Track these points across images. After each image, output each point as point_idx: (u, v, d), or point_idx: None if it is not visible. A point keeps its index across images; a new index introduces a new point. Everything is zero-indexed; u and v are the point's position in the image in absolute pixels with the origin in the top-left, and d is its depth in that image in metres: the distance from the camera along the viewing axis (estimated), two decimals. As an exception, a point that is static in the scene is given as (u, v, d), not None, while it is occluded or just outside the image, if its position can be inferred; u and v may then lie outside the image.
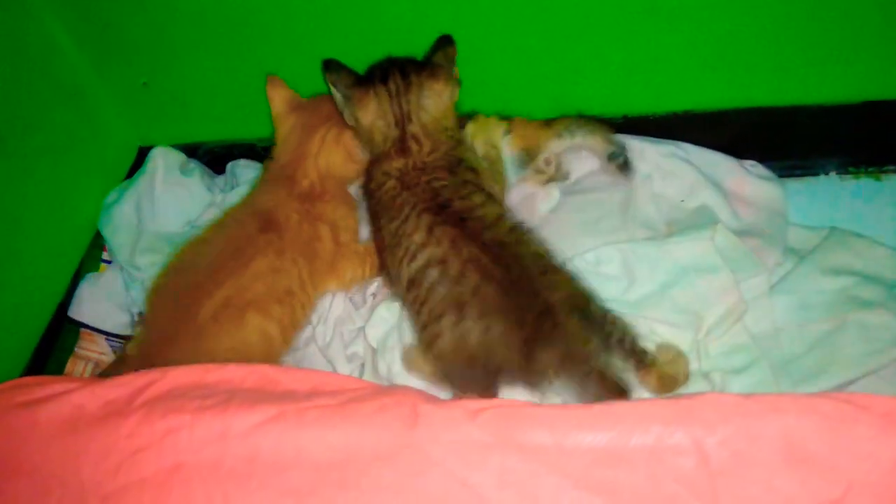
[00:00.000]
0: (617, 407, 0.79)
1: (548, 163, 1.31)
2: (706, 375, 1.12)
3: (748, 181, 1.31)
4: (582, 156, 1.34)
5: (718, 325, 1.16)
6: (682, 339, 1.15)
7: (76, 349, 1.33)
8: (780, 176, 1.33)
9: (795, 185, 1.35)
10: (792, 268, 1.22)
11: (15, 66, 1.19)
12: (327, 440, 0.80)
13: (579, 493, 0.73)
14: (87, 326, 1.31)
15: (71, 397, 0.91)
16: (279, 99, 1.25)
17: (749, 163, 1.34)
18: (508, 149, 1.30)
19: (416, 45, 1.17)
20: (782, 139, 1.33)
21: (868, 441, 0.72)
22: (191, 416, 0.85)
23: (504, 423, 0.78)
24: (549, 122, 1.30)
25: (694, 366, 1.14)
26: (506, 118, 1.29)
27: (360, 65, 1.15)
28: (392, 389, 0.87)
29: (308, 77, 1.22)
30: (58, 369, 1.30)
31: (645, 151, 1.33)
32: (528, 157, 1.31)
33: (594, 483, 0.73)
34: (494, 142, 1.26)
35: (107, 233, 1.35)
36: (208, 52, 1.29)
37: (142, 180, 1.38)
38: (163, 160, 1.39)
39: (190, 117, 1.43)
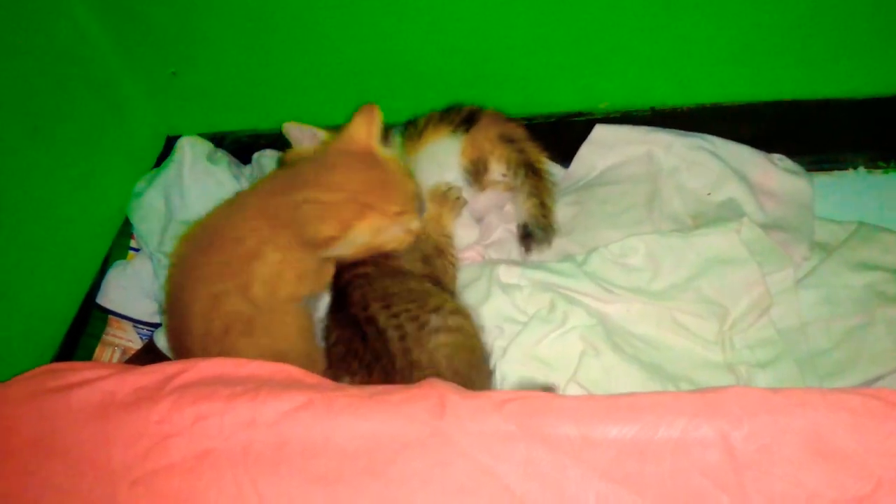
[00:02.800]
0: (643, 399, 0.79)
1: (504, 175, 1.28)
2: (731, 368, 1.12)
3: (775, 175, 1.31)
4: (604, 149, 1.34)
5: (744, 318, 1.16)
6: (706, 330, 1.16)
7: (104, 336, 1.35)
8: (808, 170, 1.32)
9: (823, 179, 1.34)
10: (819, 262, 1.21)
11: (46, 58, 1.21)
12: (355, 428, 0.81)
13: (605, 485, 0.73)
14: (114, 313, 1.33)
15: (102, 384, 0.92)
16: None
17: (777, 156, 1.33)
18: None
19: (441, 35, 1.17)
20: (810, 133, 1.32)
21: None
22: (221, 403, 0.86)
23: (530, 415, 0.78)
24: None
25: (719, 357, 1.14)
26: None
27: (386, 55, 1.16)
28: (422, 383, 0.88)
29: (333, 69, 1.23)
30: (86, 355, 1.31)
31: (672, 144, 1.32)
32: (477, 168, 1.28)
33: (620, 475, 0.73)
34: (447, 229, 1.23)
35: (135, 221, 1.37)
36: (235, 42, 1.30)
37: (170, 169, 1.39)
38: (190, 149, 1.41)
39: (217, 107, 1.44)
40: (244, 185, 1.43)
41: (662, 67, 1.26)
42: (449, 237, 1.23)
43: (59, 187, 1.25)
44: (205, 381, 0.91)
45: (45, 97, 1.21)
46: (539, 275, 1.19)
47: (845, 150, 1.34)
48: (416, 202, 1.11)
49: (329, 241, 1.00)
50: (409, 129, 1.28)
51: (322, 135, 1.20)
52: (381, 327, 1.03)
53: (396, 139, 1.28)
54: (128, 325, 1.36)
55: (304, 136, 1.21)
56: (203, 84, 1.39)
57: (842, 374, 1.09)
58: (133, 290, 1.33)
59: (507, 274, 1.20)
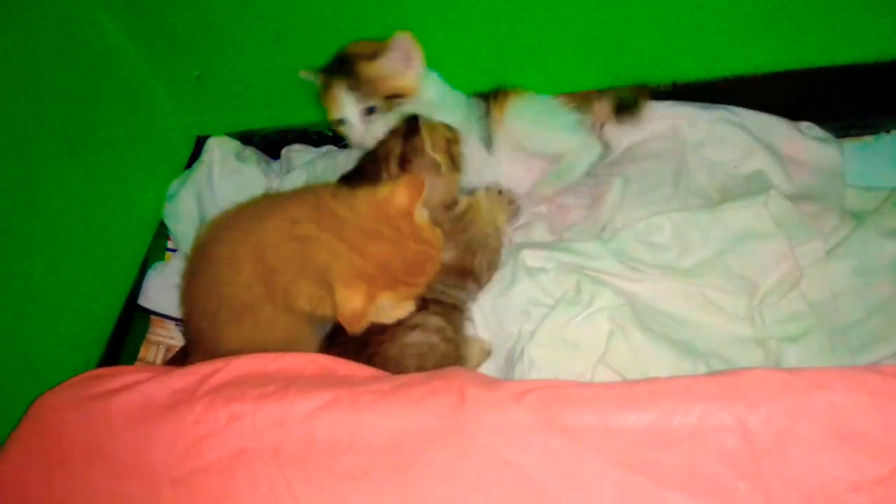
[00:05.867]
0: (661, 385, 0.80)
1: (598, 120, 1.31)
2: (762, 343, 1.11)
3: (803, 143, 1.28)
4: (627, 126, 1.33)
5: (773, 292, 1.14)
6: (736, 306, 1.15)
7: (148, 335, 1.40)
8: (838, 136, 1.29)
9: (854, 144, 1.31)
10: (850, 232, 1.19)
11: (77, 70, 1.24)
12: (380, 424, 0.84)
13: (622, 474, 0.74)
14: (156, 314, 1.38)
15: (141, 388, 0.96)
16: None
17: (805, 124, 1.30)
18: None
19: (462, 22, 1.18)
20: (838, 98, 1.29)
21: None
22: (252, 404, 0.89)
23: (548, 405, 0.80)
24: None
25: (748, 333, 1.13)
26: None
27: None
28: (443, 373, 0.90)
29: None
30: (132, 355, 1.37)
31: (696, 118, 1.31)
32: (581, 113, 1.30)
33: (637, 463, 0.75)
34: (499, 225, 1.24)
35: (170, 223, 1.41)
36: (257, 42, 1.31)
37: (200, 170, 1.43)
38: (219, 149, 1.44)
39: (244, 106, 1.46)
40: (273, 180, 1.46)
41: (683, 41, 1.23)
42: (499, 231, 1.24)
43: (95, 194, 1.29)
44: (237, 380, 0.95)
45: (77, 107, 1.25)
46: (564, 257, 1.20)
47: (876, 114, 1.30)
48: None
49: (357, 315, 0.97)
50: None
51: (417, 58, 1.21)
52: None
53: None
54: (170, 324, 1.40)
55: (400, 51, 1.20)
56: (228, 85, 1.41)
57: (874, 345, 1.08)
58: (172, 290, 1.35)
59: (532, 258, 1.20)
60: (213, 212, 1.38)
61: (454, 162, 1.13)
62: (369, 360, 1.05)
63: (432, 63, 1.25)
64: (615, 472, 0.74)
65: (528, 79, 1.30)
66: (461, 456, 0.79)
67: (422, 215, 1.02)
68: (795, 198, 1.23)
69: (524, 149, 1.28)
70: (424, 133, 1.05)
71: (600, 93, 1.30)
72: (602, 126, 1.33)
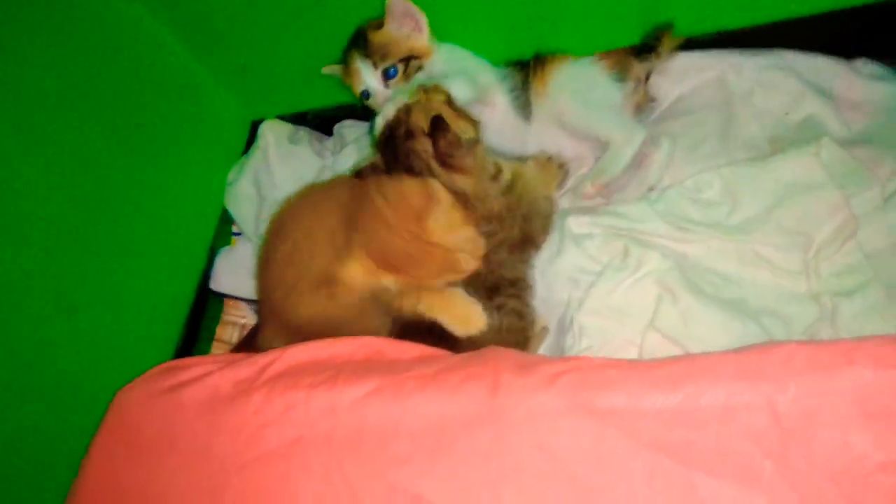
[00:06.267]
0: (690, 364, 0.80)
1: (639, 81, 1.28)
2: (816, 298, 1.09)
3: (859, 83, 1.22)
4: (671, 78, 1.29)
5: (829, 245, 1.12)
6: (790, 261, 1.13)
7: (223, 316, 1.49)
8: (898, 71, 1.23)
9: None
10: (910, 176, 1.14)
11: (130, 73, 1.29)
12: (421, 410, 0.88)
13: (651, 455, 0.76)
14: (227, 296, 1.46)
15: (208, 380, 1.03)
16: None
17: (860, 62, 1.24)
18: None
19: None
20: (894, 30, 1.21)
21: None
22: (305, 392, 0.95)
23: (580, 388, 0.82)
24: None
25: (804, 288, 1.11)
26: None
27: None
28: (481, 356, 0.93)
29: None
30: (209, 336, 1.46)
31: (743, 66, 1.26)
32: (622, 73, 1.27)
33: (666, 444, 0.76)
34: (549, 192, 1.25)
35: (232, 209, 1.47)
36: (295, 28, 1.33)
37: (255, 155, 1.48)
38: (272, 133, 1.49)
39: (293, 88, 1.49)
40: (328, 158, 1.50)
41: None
42: (551, 200, 1.26)
43: (160, 190, 1.36)
44: (292, 369, 1.00)
45: (134, 107, 1.30)
46: (610, 220, 1.19)
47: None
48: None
49: (352, 283, 1.08)
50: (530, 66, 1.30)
51: (422, 21, 1.25)
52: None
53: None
54: (242, 304, 1.48)
55: (405, 15, 1.24)
56: (275, 69, 1.45)
57: (934, 296, 1.05)
58: (240, 272, 1.43)
59: (577, 224, 1.21)
60: (271, 194, 1.45)
61: (471, 118, 1.13)
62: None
63: (460, 33, 1.27)
64: (644, 454, 0.76)
65: (563, 40, 1.28)
66: (497, 440, 0.82)
67: (437, 220, 1.05)
68: (851, 143, 1.18)
69: (565, 125, 1.27)
70: (449, 123, 1.05)
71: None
72: (647, 78, 1.30)
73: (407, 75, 1.25)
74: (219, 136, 1.52)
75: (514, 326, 1.13)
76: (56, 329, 1.16)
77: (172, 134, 1.39)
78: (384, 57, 1.25)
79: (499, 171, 1.17)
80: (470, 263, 1.08)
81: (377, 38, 1.25)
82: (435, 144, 1.06)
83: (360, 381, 0.93)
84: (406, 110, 1.10)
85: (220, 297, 1.47)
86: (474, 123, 1.12)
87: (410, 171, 1.09)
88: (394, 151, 1.10)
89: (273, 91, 1.51)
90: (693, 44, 1.28)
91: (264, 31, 1.36)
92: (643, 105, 1.29)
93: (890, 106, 1.20)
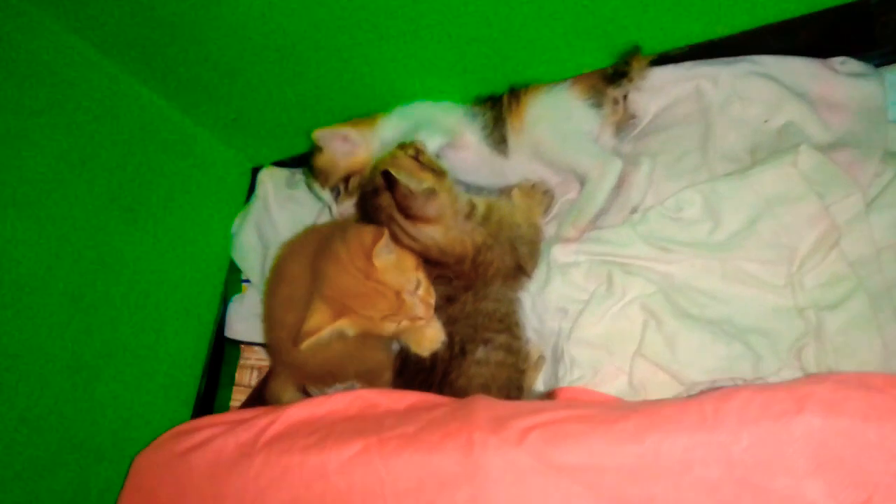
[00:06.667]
0: (650, 416, 0.82)
1: (616, 103, 1.28)
2: (801, 313, 1.09)
3: (838, 83, 1.20)
4: (648, 94, 1.29)
5: (812, 256, 1.11)
6: (775, 275, 1.13)
7: (241, 361, 1.54)
8: (878, 65, 1.20)
9: (896, 72, 1.21)
10: (892, 177, 1.12)
11: (125, 137, 1.35)
12: (403, 471, 0.91)
13: (612, 512, 0.79)
14: (242, 342, 1.51)
15: (214, 444, 1.09)
16: None
17: (838, 60, 1.21)
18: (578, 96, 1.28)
19: (464, 25, 1.19)
20: (871, 26, 1.18)
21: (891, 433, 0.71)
22: (299, 456, 1.00)
23: (548, 444, 0.84)
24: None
25: (789, 302, 1.11)
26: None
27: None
28: (460, 412, 0.95)
29: (364, 77, 1.30)
30: (229, 381, 1.52)
31: (718, 76, 1.25)
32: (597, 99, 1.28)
33: (627, 499, 0.79)
34: (534, 220, 1.26)
35: (238, 259, 1.52)
36: (278, 79, 1.37)
37: (256, 204, 1.52)
38: (270, 181, 1.53)
39: (287, 133, 1.53)
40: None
41: (685, 5, 1.17)
42: (536, 227, 1.28)
43: (167, 248, 1.42)
44: (289, 430, 1.06)
45: (135, 172, 1.36)
46: (594, 247, 1.21)
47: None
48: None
49: (311, 330, 1.10)
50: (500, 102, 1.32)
51: (351, 133, 1.31)
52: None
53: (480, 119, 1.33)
54: (258, 348, 1.54)
55: (334, 140, 1.32)
56: (267, 118, 1.48)
57: (919, 305, 1.04)
58: (252, 318, 1.48)
59: (562, 253, 1.22)
60: (274, 240, 1.49)
61: (435, 170, 1.15)
62: (437, 389, 1.14)
63: (431, 79, 1.29)
64: (605, 511, 0.79)
65: (535, 68, 1.29)
66: (472, 498, 0.86)
67: (386, 258, 1.09)
68: (832, 146, 1.17)
69: (542, 157, 1.28)
70: (401, 176, 1.08)
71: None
72: (625, 97, 1.30)
73: (349, 192, 1.34)
74: (220, 187, 1.57)
75: (505, 361, 1.15)
76: (75, 398, 1.22)
77: (174, 191, 1.45)
78: (326, 180, 1.34)
79: (472, 207, 1.19)
80: (419, 309, 1.11)
81: (318, 163, 1.35)
82: (392, 197, 1.09)
83: (348, 444, 0.97)
84: (374, 169, 1.13)
85: (237, 344, 1.53)
86: (438, 173, 1.14)
87: (381, 225, 1.12)
88: (364, 209, 1.13)
89: (269, 137, 1.55)
90: (667, 59, 1.27)
91: (251, 84, 1.40)
92: (623, 123, 1.29)
93: (871, 104, 1.17)
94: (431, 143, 1.21)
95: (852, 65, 1.21)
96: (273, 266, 1.31)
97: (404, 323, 1.12)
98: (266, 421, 1.08)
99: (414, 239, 1.12)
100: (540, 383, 1.23)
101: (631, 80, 1.25)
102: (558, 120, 1.27)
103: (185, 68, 1.35)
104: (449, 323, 1.15)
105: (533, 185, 1.30)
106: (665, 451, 0.78)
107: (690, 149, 1.24)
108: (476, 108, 1.31)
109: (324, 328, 1.09)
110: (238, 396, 1.51)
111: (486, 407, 0.96)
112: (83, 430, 1.24)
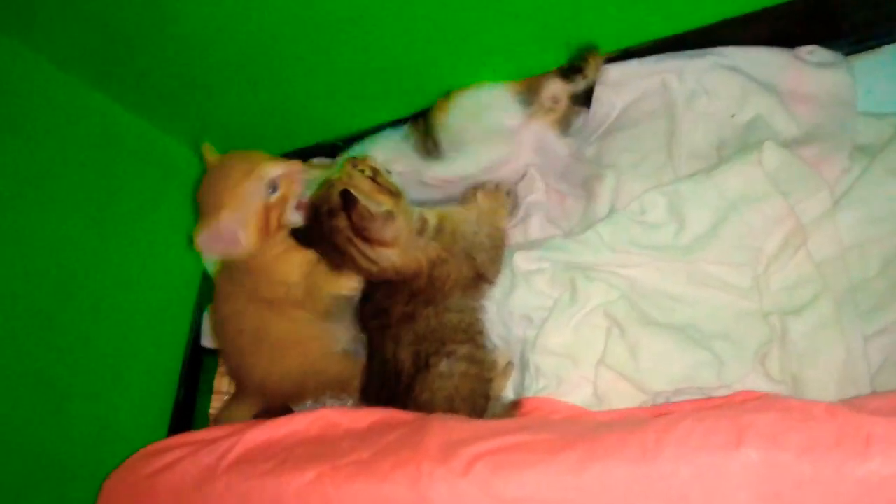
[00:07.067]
0: (594, 446, 0.81)
1: (555, 101, 1.26)
2: (766, 317, 1.07)
3: (806, 74, 1.17)
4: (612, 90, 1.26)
5: (778, 257, 1.09)
6: (741, 278, 1.10)
7: (220, 368, 1.55)
8: (848, 55, 1.16)
9: (868, 61, 1.16)
10: (860, 173, 1.09)
11: (89, 150, 1.32)
12: (354, 499, 0.91)
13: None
14: (218, 351, 1.51)
15: (179, 467, 1.09)
16: None
17: (806, 50, 1.17)
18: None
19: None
20: (840, 14, 1.14)
21: (833, 469, 0.69)
22: (258, 481, 1.00)
23: (493, 475, 0.83)
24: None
25: (755, 306, 1.09)
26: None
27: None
28: (416, 434, 0.95)
29: (329, 85, 1.29)
30: (209, 389, 1.52)
31: (683, 70, 1.21)
32: (529, 94, 1.26)
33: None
34: (498, 223, 1.24)
35: (209, 267, 1.50)
36: (243, 84, 1.34)
37: (226, 212, 1.51)
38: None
39: (258, 138, 1.49)
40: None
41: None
42: (500, 230, 1.25)
43: (138, 257, 1.40)
44: (249, 455, 1.06)
45: (101, 184, 1.34)
46: (557, 255, 1.19)
47: (891, 19, 1.14)
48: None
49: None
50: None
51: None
52: (399, 357, 1.13)
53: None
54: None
55: None
56: (236, 125, 1.46)
57: (883, 308, 1.02)
58: (227, 326, 1.49)
59: (525, 260, 1.20)
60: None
61: (392, 191, 1.12)
62: (401, 403, 1.12)
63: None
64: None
65: (502, 66, 1.26)
66: (418, 529, 0.86)
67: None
68: (800, 140, 1.14)
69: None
70: (360, 197, 1.05)
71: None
72: (578, 95, 1.27)
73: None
74: (190, 194, 1.55)
75: (468, 372, 1.14)
76: (47, 418, 1.22)
77: (143, 200, 1.43)
78: None
79: (424, 222, 1.15)
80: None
81: None
82: (348, 219, 1.07)
83: (303, 470, 0.96)
84: (327, 185, 1.10)
85: (214, 352, 1.53)
86: (395, 194, 1.11)
87: (336, 248, 1.10)
88: (319, 229, 1.11)
89: (239, 145, 1.52)
90: (631, 54, 1.24)
91: (215, 91, 1.36)
92: (566, 121, 1.28)
93: (840, 95, 1.14)
94: None
95: (821, 54, 1.17)
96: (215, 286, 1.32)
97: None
98: (228, 444, 1.08)
99: (373, 262, 1.10)
100: (510, 390, 1.22)
101: (585, 77, 1.22)
102: (478, 109, 1.26)
103: (147, 78, 1.32)
104: (416, 342, 1.13)
105: (497, 186, 1.28)
106: (606, 483, 0.77)
107: (655, 148, 1.22)
108: (407, 128, 1.32)
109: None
110: (217, 404, 1.51)
111: (439, 430, 0.95)
112: (56, 449, 1.23)
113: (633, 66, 1.25)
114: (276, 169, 1.18)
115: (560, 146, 1.27)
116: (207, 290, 1.54)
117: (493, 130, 1.25)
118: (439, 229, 1.15)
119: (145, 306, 1.42)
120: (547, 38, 1.20)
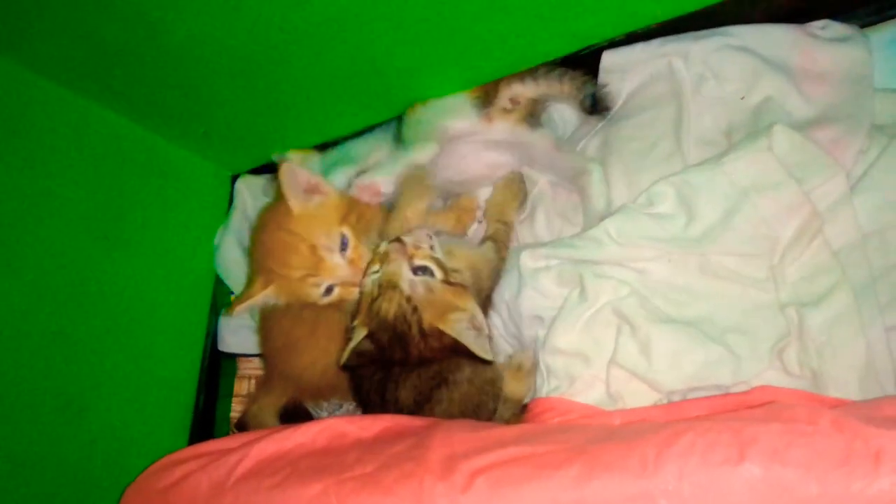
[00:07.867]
0: (594, 461, 0.78)
1: (514, 102, 1.23)
2: (783, 309, 1.03)
3: (819, 50, 1.11)
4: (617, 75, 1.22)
5: (793, 247, 1.04)
6: (755, 269, 1.06)
7: (238, 371, 1.55)
8: (864, 26, 1.10)
9: (886, 33, 1.10)
10: (878, 154, 1.03)
11: (98, 164, 1.32)
12: (359, 514, 0.91)
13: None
14: (236, 355, 1.52)
15: (191, 480, 1.09)
16: None
17: (819, 24, 1.12)
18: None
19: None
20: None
21: (840, 488, 0.66)
22: (264, 496, 0.99)
23: (493, 491, 0.82)
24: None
25: (771, 297, 1.05)
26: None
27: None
28: (417, 452, 0.93)
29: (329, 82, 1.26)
30: (228, 393, 1.53)
31: (689, 51, 1.16)
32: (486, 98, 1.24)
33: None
34: (507, 217, 1.23)
35: (221, 273, 1.51)
36: (242, 88, 1.32)
37: (235, 216, 1.50)
38: (247, 190, 1.51)
39: (261, 140, 1.49)
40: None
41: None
42: (507, 224, 1.24)
43: (151, 266, 1.40)
44: (256, 468, 1.05)
45: (111, 197, 1.34)
46: (565, 252, 1.15)
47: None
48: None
49: (241, 299, 1.19)
50: None
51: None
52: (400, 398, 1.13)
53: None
54: (253, 357, 1.54)
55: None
56: (237, 127, 1.44)
57: (905, 298, 0.96)
58: (243, 331, 1.48)
59: (532, 258, 1.17)
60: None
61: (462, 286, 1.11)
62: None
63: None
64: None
65: (496, 58, 1.21)
66: (418, 546, 0.85)
67: (299, 201, 1.15)
68: (814, 122, 1.09)
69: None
70: (475, 349, 1.04)
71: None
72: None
73: None
74: (200, 199, 1.54)
75: (470, 392, 1.13)
76: (68, 434, 1.23)
77: (152, 210, 1.42)
78: None
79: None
80: (344, 270, 1.09)
81: None
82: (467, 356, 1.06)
83: (308, 484, 0.96)
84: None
85: (232, 356, 1.53)
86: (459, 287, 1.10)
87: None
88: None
89: (243, 145, 1.52)
90: (636, 38, 1.19)
91: (216, 97, 1.35)
92: (531, 118, 1.25)
93: (855, 72, 1.09)
94: (339, 180, 1.23)
95: (834, 28, 1.11)
96: None
97: (337, 290, 1.08)
98: (237, 457, 1.08)
99: None
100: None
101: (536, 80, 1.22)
102: (435, 111, 1.25)
103: (147, 88, 1.30)
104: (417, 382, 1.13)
105: (512, 176, 1.27)
106: (607, 498, 0.75)
107: (662, 135, 1.17)
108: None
109: (254, 296, 1.12)
110: (238, 407, 1.52)
111: (441, 442, 0.93)
112: (78, 465, 1.25)
113: (635, 50, 1.20)
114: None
115: (535, 138, 1.24)
116: (222, 294, 1.55)
117: (441, 130, 1.24)
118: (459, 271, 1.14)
119: (160, 316, 1.42)
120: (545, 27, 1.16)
